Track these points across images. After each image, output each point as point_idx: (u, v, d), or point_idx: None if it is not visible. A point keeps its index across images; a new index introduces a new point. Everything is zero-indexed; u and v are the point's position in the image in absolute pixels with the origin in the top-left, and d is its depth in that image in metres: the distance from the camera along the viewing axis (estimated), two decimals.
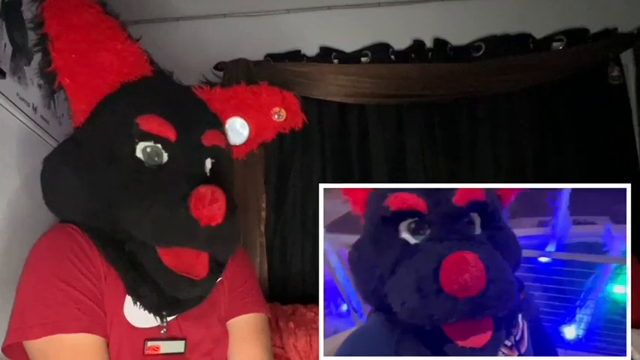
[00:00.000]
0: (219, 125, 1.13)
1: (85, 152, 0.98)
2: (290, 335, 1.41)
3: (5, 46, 1.15)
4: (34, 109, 1.26)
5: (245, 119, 1.19)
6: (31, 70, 1.20)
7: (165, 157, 0.96)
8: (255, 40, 2.02)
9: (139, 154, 0.95)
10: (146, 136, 0.95)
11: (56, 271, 0.89)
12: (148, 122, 0.95)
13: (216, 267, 0.99)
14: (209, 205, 0.87)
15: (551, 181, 1.94)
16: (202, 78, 1.95)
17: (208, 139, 1.02)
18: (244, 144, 1.25)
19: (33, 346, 0.85)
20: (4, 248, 1.10)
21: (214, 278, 0.99)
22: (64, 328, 0.84)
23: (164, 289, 0.92)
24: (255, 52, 1.99)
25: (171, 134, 0.96)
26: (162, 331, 0.94)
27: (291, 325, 1.44)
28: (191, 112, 1.05)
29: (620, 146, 1.94)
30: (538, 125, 1.97)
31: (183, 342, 0.96)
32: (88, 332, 0.86)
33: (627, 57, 1.96)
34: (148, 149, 0.95)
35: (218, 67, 1.98)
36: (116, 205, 0.92)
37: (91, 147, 0.98)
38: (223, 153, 1.09)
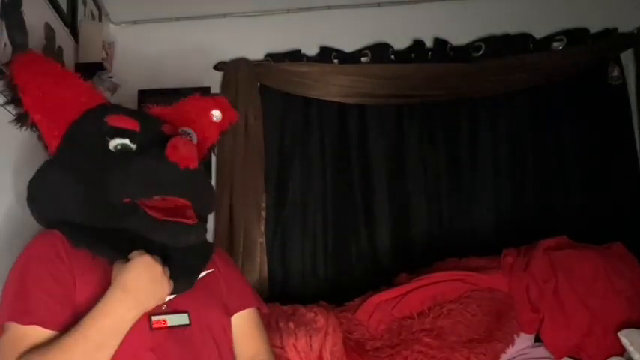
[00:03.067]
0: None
1: (65, 159, 1.09)
2: (290, 335, 1.41)
3: (5, 45, 1.16)
4: None
5: (190, 127, 1.32)
6: None
7: (134, 148, 1.09)
8: (255, 40, 2.02)
9: (112, 149, 1.08)
10: (115, 132, 1.08)
11: (30, 270, 0.97)
12: (115, 119, 1.09)
13: (202, 221, 1.09)
14: (183, 147, 1.01)
15: (551, 180, 1.95)
16: (202, 78, 1.96)
17: (168, 129, 1.16)
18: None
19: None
20: (3, 248, 1.11)
21: (203, 228, 1.10)
22: (21, 319, 0.90)
23: (163, 243, 0.98)
24: (255, 52, 2.00)
25: (135, 126, 1.10)
26: (163, 307, 0.98)
27: (291, 325, 1.44)
28: (148, 114, 1.25)
29: (620, 146, 1.94)
30: (538, 125, 1.97)
31: (187, 314, 1.01)
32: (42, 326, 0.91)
33: (627, 57, 1.97)
34: (119, 147, 1.08)
35: (218, 67, 1.98)
36: (101, 179, 1.01)
37: (69, 153, 1.09)
38: None
